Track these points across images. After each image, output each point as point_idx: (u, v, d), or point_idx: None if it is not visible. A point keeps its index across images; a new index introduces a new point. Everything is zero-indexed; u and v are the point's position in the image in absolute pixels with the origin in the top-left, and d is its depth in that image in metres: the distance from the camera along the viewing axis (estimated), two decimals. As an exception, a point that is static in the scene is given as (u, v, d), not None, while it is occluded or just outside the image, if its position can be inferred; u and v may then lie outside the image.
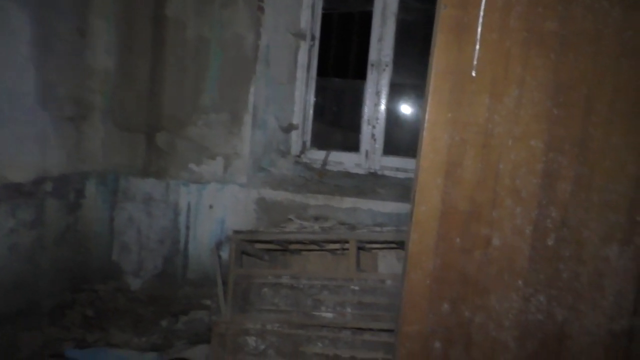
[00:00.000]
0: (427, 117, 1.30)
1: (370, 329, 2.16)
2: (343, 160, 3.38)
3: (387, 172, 3.26)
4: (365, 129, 3.34)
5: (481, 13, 1.24)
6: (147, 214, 3.11)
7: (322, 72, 3.38)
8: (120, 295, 3.05)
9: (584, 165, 1.31)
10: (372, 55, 3.23)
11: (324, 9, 3.23)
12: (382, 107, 3.28)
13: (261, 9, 2.85)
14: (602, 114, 1.29)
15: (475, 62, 1.26)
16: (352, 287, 2.36)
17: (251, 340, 2.23)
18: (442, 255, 1.34)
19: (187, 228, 3.09)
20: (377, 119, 3.31)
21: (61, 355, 2.43)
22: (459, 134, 1.29)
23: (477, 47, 1.26)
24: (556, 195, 1.33)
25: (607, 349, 1.37)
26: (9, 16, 2.37)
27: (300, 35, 3.17)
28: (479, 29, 1.25)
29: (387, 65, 3.20)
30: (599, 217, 1.35)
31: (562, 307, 1.39)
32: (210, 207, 3.06)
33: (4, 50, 2.36)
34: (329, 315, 2.32)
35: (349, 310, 2.32)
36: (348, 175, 3.33)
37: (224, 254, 2.91)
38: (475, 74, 1.27)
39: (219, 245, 2.97)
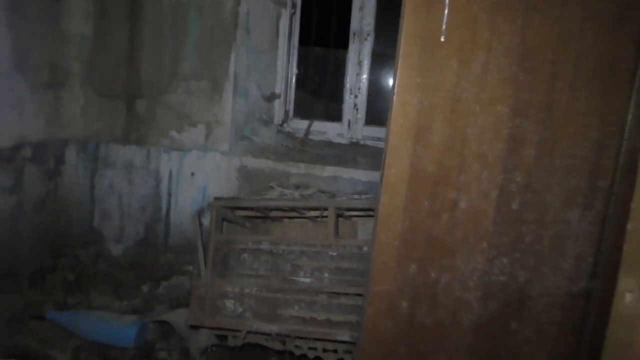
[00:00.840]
0: (397, 81, 1.32)
1: (346, 294, 2.22)
2: (326, 130, 3.40)
3: (369, 142, 3.29)
4: (348, 99, 3.35)
5: (450, -23, 1.25)
6: (128, 181, 3.12)
7: (304, 41, 3.36)
8: (102, 261, 3.07)
9: (549, 130, 1.35)
10: (354, 24, 3.22)
11: (303, -25, 3.20)
12: (364, 76, 3.28)
13: (241, -26, 2.82)
14: (566, 80, 1.32)
15: (444, 27, 1.28)
16: (330, 253, 2.40)
17: (229, 303, 2.27)
18: (411, 218, 1.38)
19: (169, 195, 3.10)
20: (359, 88, 3.31)
21: (42, 317, 2.47)
22: (428, 99, 1.32)
23: (446, 11, 1.27)
24: (521, 159, 1.36)
25: (566, 310, 1.43)
26: (-19, -23, 2.32)
27: (280, 3, 3.14)
28: (448, -7, 1.26)
29: (368, 35, 3.19)
30: (562, 182, 1.39)
31: (524, 269, 1.44)
32: (192, 174, 3.07)
33: (-23, 12, 2.32)
34: (307, 280, 2.37)
35: (326, 275, 2.37)
36: (330, 144, 3.35)
37: (206, 221, 2.94)
38: (444, 39, 1.28)
39: (200, 212, 2.99)
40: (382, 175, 1.36)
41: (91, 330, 2.43)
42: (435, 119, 1.32)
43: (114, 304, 2.73)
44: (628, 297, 0.88)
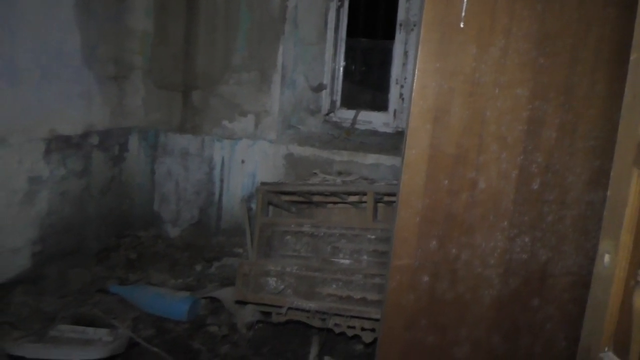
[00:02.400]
0: (417, 66, 1.39)
1: (381, 274, 2.30)
2: (372, 120, 3.48)
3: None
4: (394, 89, 3.41)
5: (469, -35, 1.31)
6: (184, 168, 3.33)
7: (351, 32, 3.45)
8: (160, 242, 3.31)
9: (569, 113, 1.37)
10: (401, 15, 3.27)
11: (351, -32, 3.28)
12: (410, 66, 3.33)
13: (288, -31, 2.94)
14: (587, 63, 1.34)
15: (463, 14, 1.33)
16: (368, 236, 2.49)
17: (272, 281, 2.41)
18: (431, 196, 1.45)
19: (221, 181, 3.29)
20: (405, 78, 3.36)
21: (106, 290, 2.71)
22: (447, 83, 1.38)
23: (465, -1, 1.33)
24: (541, 141, 1.40)
25: (588, 289, 1.45)
26: (54, -19, 2.57)
27: (328, -5, 3.24)
28: (467, -19, 1.32)
29: (415, 25, 3.24)
30: (584, 163, 1.41)
31: (546, 248, 1.47)
32: (242, 161, 3.24)
33: (51, 13, 2.57)
34: (346, 261, 2.47)
35: (364, 257, 2.46)
36: (375, 133, 3.42)
37: (254, 206, 3.10)
38: (463, 25, 1.34)
39: (249, 197, 3.16)
40: (403, 155, 1.44)
41: (149, 303, 2.63)
42: (454, 102, 1.38)
43: (169, 281, 2.94)
44: (606, 257, 0.92)
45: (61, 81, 2.68)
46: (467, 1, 1.32)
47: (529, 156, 1.42)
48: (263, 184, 2.74)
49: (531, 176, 1.43)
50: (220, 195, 3.29)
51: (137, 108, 3.31)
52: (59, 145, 2.71)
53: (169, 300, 2.63)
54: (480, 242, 1.48)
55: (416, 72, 1.38)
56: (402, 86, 3.38)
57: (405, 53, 3.34)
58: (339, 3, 3.33)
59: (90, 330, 2.25)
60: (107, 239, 3.21)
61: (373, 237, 2.47)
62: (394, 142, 3.25)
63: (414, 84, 1.39)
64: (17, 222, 2.50)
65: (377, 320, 2.27)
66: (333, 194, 2.59)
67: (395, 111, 3.42)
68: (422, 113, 1.39)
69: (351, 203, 2.69)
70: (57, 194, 2.74)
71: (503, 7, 1.34)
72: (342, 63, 3.53)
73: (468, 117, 1.40)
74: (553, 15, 1.32)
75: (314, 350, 2.43)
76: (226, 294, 2.65)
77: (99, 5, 2.89)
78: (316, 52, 3.37)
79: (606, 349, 0.94)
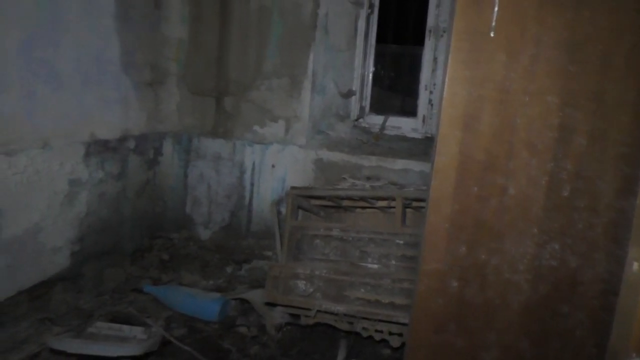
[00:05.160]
0: (447, 74, 1.42)
1: (410, 279, 2.32)
2: (401, 125, 3.50)
3: (442, 137, 3.33)
4: (423, 95, 3.43)
5: (500, -25, 1.32)
6: (216, 172, 3.41)
7: (380, 38, 3.48)
8: (192, 244, 3.40)
9: (600, 120, 1.37)
10: (430, 22, 3.29)
11: (381, -24, 3.32)
12: (440, 72, 3.34)
13: (319, -22, 3.00)
14: (619, 70, 1.34)
15: (493, 23, 1.35)
16: (397, 241, 2.52)
17: (301, 284, 2.46)
18: (460, 202, 1.47)
19: (252, 185, 3.36)
20: (434, 84, 3.38)
21: (141, 290, 2.80)
22: (477, 90, 1.40)
23: (496, 9, 1.35)
24: (571, 148, 1.40)
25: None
26: (96, -9, 2.69)
27: (358, 4, 3.29)
28: (498, -9, 1.34)
29: (444, 31, 3.25)
30: (615, 170, 1.41)
31: (576, 254, 1.47)
32: (273, 166, 3.30)
33: (92, 22, 2.68)
34: (374, 266, 2.50)
35: (393, 262, 2.49)
36: (404, 139, 3.44)
37: (284, 210, 3.15)
38: (494, 34, 1.36)
39: (278, 201, 3.21)
40: (432, 162, 1.47)
41: (181, 303, 2.71)
42: (484, 109, 1.40)
43: (200, 282, 3.02)
44: (635, 265, 0.93)
45: (101, 87, 2.79)
46: (498, 11, 1.34)
47: (559, 163, 1.42)
48: (293, 188, 2.79)
49: (561, 183, 1.43)
50: (251, 198, 3.36)
51: (172, 113, 3.41)
52: (98, 149, 2.82)
53: (201, 301, 2.69)
54: (510, 248, 1.49)
55: (446, 80, 1.41)
56: (431, 92, 3.39)
57: (435, 59, 3.35)
58: (369, 10, 3.36)
59: (125, 328, 2.33)
60: (141, 240, 3.31)
61: (401, 242, 2.49)
62: (422, 147, 3.26)
63: (444, 92, 1.41)
64: (58, 223, 2.61)
65: (404, 324, 2.29)
66: (362, 198, 2.63)
67: (424, 117, 3.44)
68: (452, 120, 1.42)
69: (380, 208, 2.71)
70: (95, 196, 2.85)
71: (533, 15, 1.35)
72: (372, 69, 3.56)
73: (498, 124, 1.41)
74: (583, 22, 1.33)
75: (341, 353, 2.46)
76: (256, 296, 2.71)
77: (137, 14, 2.99)
78: (346, 59, 3.41)
79: (634, 354, 0.95)
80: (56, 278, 2.65)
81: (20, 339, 2.26)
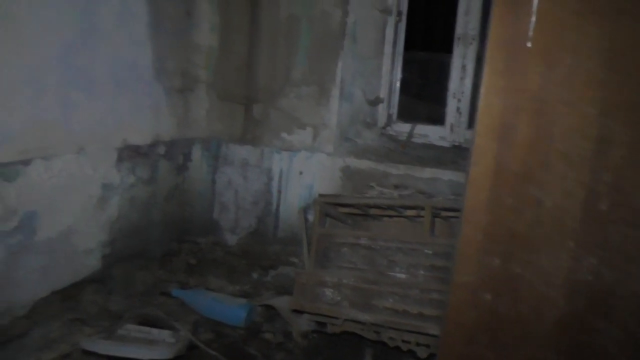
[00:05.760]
0: (483, 84, 1.41)
1: (439, 290, 2.30)
2: (428, 133, 3.48)
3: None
4: (451, 103, 3.40)
5: (537, -15, 1.31)
6: (244, 178, 3.44)
7: (408, 45, 3.47)
8: (219, 249, 3.43)
9: (640, 131, 1.35)
10: (459, 29, 3.27)
11: (411, -16, 3.31)
12: (468, 80, 3.32)
13: (349, -13, 3.01)
14: (660, 81, 1.32)
15: (530, 33, 1.34)
16: (425, 250, 2.49)
17: (328, 292, 2.45)
18: (494, 213, 1.45)
19: (279, 192, 3.37)
20: (462, 92, 3.35)
21: (169, 293, 2.83)
22: (513, 101, 1.38)
23: (533, 18, 1.34)
24: (609, 160, 1.38)
25: (659, 313, 1.41)
26: (130, 2, 2.74)
27: (387, 12, 3.29)
28: (535, 2, 1.32)
29: (473, 39, 3.23)
30: (656, 184, 1.38)
31: (613, 269, 1.44)
32: (300, 173, 3.32)
33: (126, 31, 2.74)
34: (402, 275, 2.48)
35: (421, 272, 2.47)
36: (432, 147, 3.42)
37: (311, 217, 3.16)
38: (530, 44, 1.35)
39: (306, 209, 3.22)
40: (467, 172, 1.46)
41: (208, 308, 2.73)
42: (520, 120, 1.39)
43: (227, 287, 3.04)
44: None
45: (133, 94, 2.85)
46: (535, 20, 1.33)
47: (596, 175, 1.40)
48: (321, 195, 2.80)
49: (599, 195, 1.41)
50: (278, 205, 3.37)
51: (201, 119, 3.45)
52: (130, 154, 2.87)
53: (227, 306, 2.71)
54: (544, 261, 1.46)
55: (482, 90, 1.40)
56: (459, 100, 3.37)
57: (464, 67, 3.33)
58: (398, 18, 3.36)
59: (154, 331, 2.37)
60: (169, 244, 3.35)
61: (430, 252, 2.47)
62: (450, 156, 3.24)
63: (479, 102, 1.40)
64: (90, 226, 2.67)
65: (433, 336, 2.27)
66: (390, 207, 2.62)
67: (452, 125, 3.41)
68: (487, 131, 1.41)
69: (408, 217, 2.70)
70: (126, 200, 2.90)
71: (571, 25, 1.33)
72: (399, 76, 3.55)
73: (534, 135, 1.40)
74: (623, 32, 1.31)
75: (367, 362, 2.45)
76: (283, 303, 2.72)
77: (169, 22, 3.05)
78: (373, 66, 3.41)
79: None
80: (87, 280, 2.70)
81: (53, 338, 2.32)
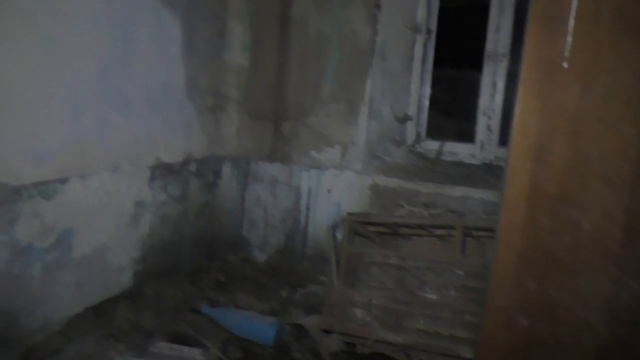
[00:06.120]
0: (518, 105, 1.39)
1: (471, 311, 2.26)
2: (457, 151, 3.44)
3: (502, 163, 3.26)
4: (481, 120, 3.37)
5: (574, 5, 1.29)
6: (273, 195, 3.46)
7: (437, 63, 3.46)
8: (247, 266, 3.44)
9: (683, 153, 1.31)
10: (489, 47, 3.24)
11: (440, 2, 3.31)
12: (498, 97, 3.28)
13: (378, 7, 3.03)
14: (703, 101, 1.28)
15: (566, 54, 1.32)
16: (456, 270, 2.46)
17: (358, 312, 2.44)
18: (530, 236, 1.42)
19: (307, 209, 3.38)
20: (493, 109, 3.32)
21: (198, 310, 2.85)
22: (549, 122, 1.36)
23: (569, 38, 1.32)
24: (651, 182, 1.34)
25: None
26: (165, 24, 2.82)
27: (416, 29, 3.29)
28: (572, 21, 1.31)
29: (504, 56, 3.20)
30: (701, 206, 1.33)
31: (657, 294, 1.40)
32: (329, 191, 3.32)
33: (161, 51, 2.81)
34: (433, 296, 2.45)
35: (452, 292, 2.43)
36: (461, 165, 3.39)
37: (339, 235, 3.15)
38: (567, 64, 1.33)
39: (334, 226, 3.21)
40: (502, 194, 1.43)
41: (237, 326, 2.73)
42: (556, 141, 1.36)
43: (256, 304, 3.04)
44: None
45: (166, 113, 2.91)
46: (572, 40, 1.31)
47: (637, 197, 1.36)
48: (349, 214, 2.80)
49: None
50: (306, 222, 3.38)
51: (231, 137, 3.50)
52: (162, 172, 2.92)
53: (257, 325, 2.71)
54: (583, 285, 1.42)
55: (516, 111, 1.38)
56: (489, 117, 3.33)
57: (494, 84, 3.29)
58: (427, 36, 3.36)
59: (185, 349, 2.38)
60: (199, 261, 3.38)
61: (462, 272, 2.43)
62: (481, 173, 3.20)
63: (514, 123, 1.39)
64: (124, 243, 2.71)
65: (465, 359, 2.22)
66: (420, 226, 2.59)
67: (482, 142, 3.37)
68: (522, 152, 1.39)
69: (438, 236, 2.67)
70: (158, 218, 2.94)
71: (609, 45, 1.31)
72: (428, 94, 3.54)
73: (571, 156, 1.37)
74: (664, 52, 1.28)
75: (398, 384, 2.41)
76: (312, 322, 2.71)
77: (202, 42, 3.12)
78: (402, 84, 3.41)
79: None
80: (120, 296, 2.74)
81: (87, 354, 2.35)
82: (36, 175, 2.19)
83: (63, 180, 2.32)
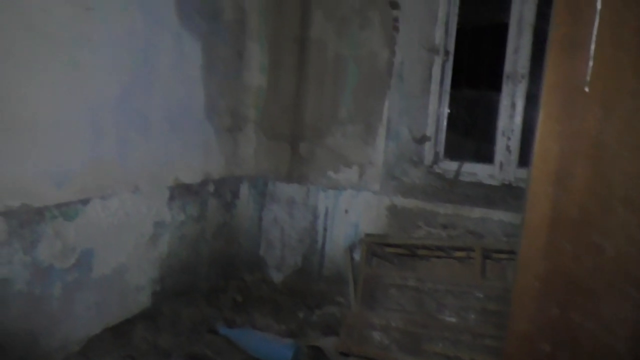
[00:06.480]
0: (538, 129, 1.39)
1: (492, 335, 2.22)
2: (476, 171, 3.42)
3: (522, 184, 3.23)
4: (500, 141, 3.34)
5: (595, 30, 1.29)
6: (290, 216, 3.47)
7: (454, 83, 3.46)
8: (264, 286, 3.44)
9: None
10: (508, 67, 3.24)
11: (458, 24, 3.32)
12: (518, 118, 3.26)
13: (396, 28, 3.05)
14: None
15: (588, 78, 1.32)
16: (476, 294, 2.43)
17: (376, 335, 2.41)
18: (552, 260, 1.40)
19: (325, 230, 3.38)
20: (512, 130, 3.29)
21: (216, 331, 2.84)
22: (570, 145, 1.35)
23: (591, 63, 1.31)
24: (677, 207, 1.32)
25: None
26: (185, 46, 2.87)
27: (434, 51, 3.30)
28: (593, 46, 1.30)
29: (523, 77, 3.19)
30: None
31: (684, 321, 1.36)
32: (346, 211, 3.31)
33: (181, 72, 2.86)
34: (453, 319, 2.42)
35: (472, 316, 2.40)
36: (480, 185, 3.36)
37: (357, 256, 3.14)
38: (588, 88, 1.32)
39: (352, 247, 3.20)
40: (522, 218, 1.42)
41: (255, 347, 2.71)
42: (578, 165, 1.35)
43: (273, 325, 3.02)
44: None
45: (186, 134, 2.95)
46: (593, 64, 1.31)
47: (663, 222, 1.34)
48: (367, 235, 2.79)
49: (666, 244, 1.34)
50: (323, 243, 3.37)
51: (249, 158, 3.53)
52: (181, 192, 2.95)
53: (274, 346, 2.69)
54: (607, 311, 1.40)
55: (537, 135, 1.37)
56: (509, 138, 3.31)
57: (513, 105, 3.28)
58: (445, 57, 3.37)
59: (203, 370, 2.37)
60: (216, 281, 3.39)
61: (482, 295, 2.40)
62: (500, 195, 3.16)
63: (535, 147, 1.38)
64: (142, 263, 2.73)
65: (486, 383, 2.18)
66: (439, 248, 2.57)
67: (501, 163, 3.34)
68: (543, 176, 1.37)
69: (457, 258, 2.64)
70: (177, 238, 2.96)
71: (630, 68, 1.30)
72: (446, 114, 3.53)
73: (593, 180, 1.35)
74: (688, 76, 1.27)
75: (417, 410, 2.36)
76: (329, 344, 2.68)
77: (221, 63, 3.17)
78: (420, 104, 3.41)
79: None
80: (138, 316, 2.75)
81: (104, 376, 2.36)
82: (58, 197, 2.22)
83: (85, 201, 2.35)
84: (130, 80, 2.53)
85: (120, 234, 2.57)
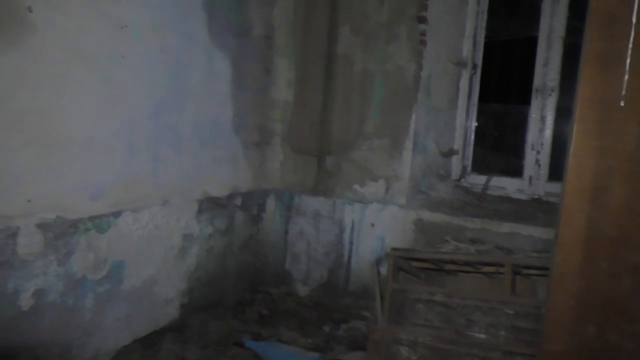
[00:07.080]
0: (572, 144, 1.37)
1: (523, 354, 2.17)
2: (504, 185, 3.38)
3: (552, 199, 3.18)
4: (529, 155, 3.31)
5: (630, 44, 1.28)
6: (316, 229, 3.47)
7: (482, 97, 3.44)
8: (290, 300, 3.44)
9: None
10: (537, 81, 3.21)
11: (485, 37, 3.31)
12: (548, 132, 3.22)
13: (423, 42, 3.05)
14: None
15: (623, 92, 1.30)
16: (506, 310, 2.38)
17: (404, 350, 2.38)
18: (587, 279, 1.37)
19: (351, 243, 3.37)
20: (541, 144, 3.25)
21: (242, 344, 2.85)
22: (605, 161, 1.33)
23: (626, 77, 1.30)
24: None
25: None
26: (215, 63, 2.92)
27: (461, 64, 3.30)
28: (628, 60, 1.29)
29: (552, 90, 3.15)
30: None
31: None
32: (372, 225, 3.30)
33: (211, 88, 2.91)
34: (482, 336, 2.38)
35: (502, 333, 2.35)
36: (509, 200, 3.31)
37: (383, 270, 3.12)
38: (624, 103, 1.30)
39: (378, 261, 3.18)
40: (556, 235, 1.40)
41: (280, 361, 2.73)
42: (613, 181, 1.33)
43: (299, 339, 3.02)
44: None
45: (214, 148, 2.99)
46: (628, 79, 1.29)
47: (703, 240, 1.30)
48: (394, 249, 2.77)
49: None
50: (349, 257, 3.36)
51: (275, 171, 3.55)
52: (209, 205, 2.99)
53: (300, 360, 2.69)
54: (647, 332, 1.36)
55: (571, 151, 1.36)
56: (538, 152, 3.27)
57: (542, 118, 3.24)
58: (472, 71, 3.35)
59: (229, 383, 2.37)
60: (243, 294, 3.40)
61: (511, 312, 2.36)
62: (530, 209, 3.12)
63: (569, 163, 1.36)
64: (171, 275, 2.77)
65: (517, 403, 2.13)
66: (467, 263, 2.54)
67: (530, 177, 3.30)
68: (578, 192, 1.35)
69: (485, 273, 2.60)
70: (204, 251, 3.00)
71: (669, 84, 1.28)
72: (473, 128, 3.51)
73: (630, 196, 1.33)
74: None
75: None
76: (356, 359, 2.66)
77: (249, 79, 3.21)
78: (447, 118, 3.40)
79: None
80: (166, 328, 2.78)
81: (133, 387, 2.38)
82: (92, 209, 2.28)
83: (117, 214, 2.40)
84: (163, 96, 2.59)
85: (150, 246, 2.61)
